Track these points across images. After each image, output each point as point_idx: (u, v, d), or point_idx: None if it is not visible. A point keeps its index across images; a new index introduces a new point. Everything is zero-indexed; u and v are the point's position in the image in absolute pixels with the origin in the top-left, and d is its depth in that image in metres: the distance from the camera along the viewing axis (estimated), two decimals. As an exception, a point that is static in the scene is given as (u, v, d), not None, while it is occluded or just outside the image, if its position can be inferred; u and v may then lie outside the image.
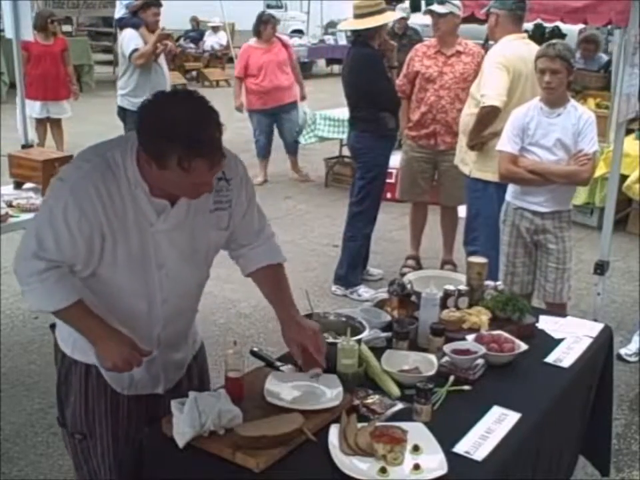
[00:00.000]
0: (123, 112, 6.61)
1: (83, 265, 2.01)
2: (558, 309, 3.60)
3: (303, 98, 8.15)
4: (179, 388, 2.29)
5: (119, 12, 7.85)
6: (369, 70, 4.96)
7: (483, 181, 4.47)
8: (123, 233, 1.99)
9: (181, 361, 2.32)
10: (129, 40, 6.42)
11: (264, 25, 7.75)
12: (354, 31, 5.12)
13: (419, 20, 8.52)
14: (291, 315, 2.26)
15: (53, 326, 2.29)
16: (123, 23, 6.81)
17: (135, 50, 6.35)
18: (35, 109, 7.92)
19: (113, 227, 1.97)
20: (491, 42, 5.02)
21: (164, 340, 2.20)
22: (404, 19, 8.36)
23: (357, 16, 4.92)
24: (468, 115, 4.55)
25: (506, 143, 3.76)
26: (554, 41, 3.83)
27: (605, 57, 8.83)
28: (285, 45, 7.94)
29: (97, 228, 1.95)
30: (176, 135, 1.80)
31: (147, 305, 2.12)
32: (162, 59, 6.56)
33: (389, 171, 5.46)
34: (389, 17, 5.12)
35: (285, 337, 2.26)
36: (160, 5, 6.55)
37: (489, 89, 4.25)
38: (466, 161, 4.66)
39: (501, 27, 4.44)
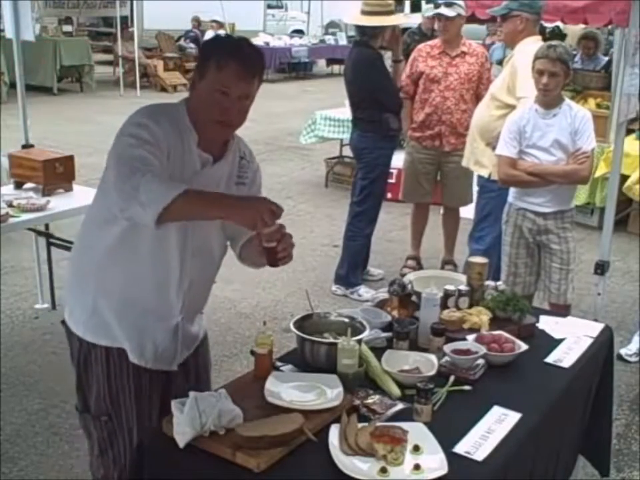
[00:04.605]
0: None
1: None
2: (562, 310, 3.58)
3: None
4: (185, 365, 2.38)
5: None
6: (372, 70, 4.94)
7: None
8: (179, 172, 2.10)
9: (194, 336, 2.41)
10: None
11: None
12: (358, 29, 5.07)
13: (418, 20, 8.49)
14: None
15: (64, 322, 2.34)
16: None
17: None
18: None
19: (175, 162, 2.09)
20: (490, 42, 4.99)
21: (187, 305, 2.29)
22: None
23: (365, 13, 4.89)
24: (489, 117, 4.45)
25: (504, 147, 3.75)
26: (554, 42, 3.78)
27: (603, 58, 8.85)
28: None
29: (166, 154, 2.06)
30: (221, 44, 2.18)
31: (179, 257, 2.21)
32: None
33: (390, 171, 5.45)
34: (396, 20, 5.09)
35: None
36: None
37: (528, 91, 4.05)
38: (483, 163, 4.59)
39: (526, 31, 4.36)
